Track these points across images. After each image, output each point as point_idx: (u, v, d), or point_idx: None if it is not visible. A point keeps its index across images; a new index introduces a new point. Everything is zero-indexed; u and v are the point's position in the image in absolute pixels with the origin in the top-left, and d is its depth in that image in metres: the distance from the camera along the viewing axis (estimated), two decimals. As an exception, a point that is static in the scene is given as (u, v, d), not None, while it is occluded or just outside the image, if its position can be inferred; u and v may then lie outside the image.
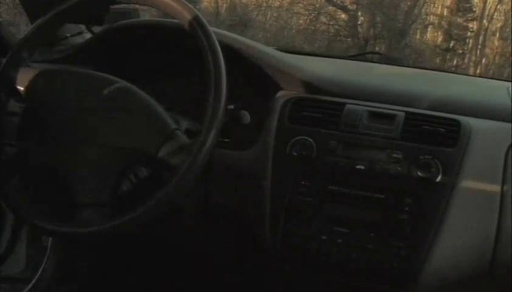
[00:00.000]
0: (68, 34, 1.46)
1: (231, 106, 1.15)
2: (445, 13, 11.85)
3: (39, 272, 1.54)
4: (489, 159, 1.10)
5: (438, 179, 1.07)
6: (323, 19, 11.54)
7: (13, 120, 1.17)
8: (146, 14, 1.98)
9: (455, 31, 11.55)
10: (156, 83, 1.25)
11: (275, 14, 11.84)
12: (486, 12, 11.51)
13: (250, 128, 1.26)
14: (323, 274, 1.16)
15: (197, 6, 9.63)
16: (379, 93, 1.23)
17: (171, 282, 1.74)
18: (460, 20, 11.61)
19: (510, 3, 10.57)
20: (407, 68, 1.60)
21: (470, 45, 11.67)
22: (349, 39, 11.27)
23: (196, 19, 1.03)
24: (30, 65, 1.12)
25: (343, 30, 11.46)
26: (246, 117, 1.27)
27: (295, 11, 11.67)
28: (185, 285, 1.71)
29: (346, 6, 11.47)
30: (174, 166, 0.96)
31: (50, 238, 1.55)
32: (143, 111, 1.02)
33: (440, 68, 7.74)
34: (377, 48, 10.72)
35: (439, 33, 11.77)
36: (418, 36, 11.79)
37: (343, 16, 11.52)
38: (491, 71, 10.91)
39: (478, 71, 10.96)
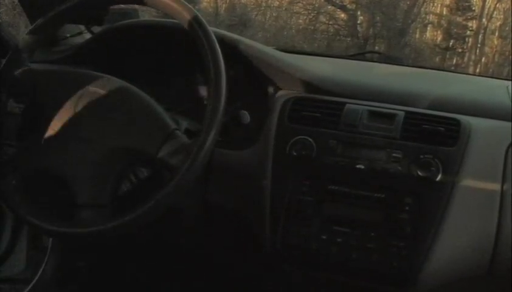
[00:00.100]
0: (68, 35, 1.46)
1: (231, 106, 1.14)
2: (444, 12, 11.85)
3: (39, 273, 1.53)
4: (489, 158, 1.10)
5: (438, 178, 1.06)
6: (322, 18, 11.54)
7: (13, 121, 1.17)
8: (146, 15, 1.98)
9: (455, 30, 11.55)
10: (156, 83, 1.25)
11: (274, 14, 11.84)
12: (486, 11, 11.52)
13: (250, 128, 1.26)
14: (323, 274, 1.16)
15: (197, 7, 9.63)
16: (378, 93, 1.23)
17: (171, 282, 1.74)
18: (459, 19, 11.61)
19: (509, 2, 10.57)
20: (407, 67, 1.60)
21: (469, 44, 11.67)
22: (349, 39, 11.28)
23: (195, 19, 1.03)
24: (30, 65, 1.12)
25: (342, 29, 11.46)
26: (246, 116, 1.27)
27: (295, 10, 11.68)
28: (185, 285, 1.71)
29: (345, 5, 11.47)
30: (174, 167, 0.96)
31: (50, 239, 1.55)
32: (143, 111, 1.02)
33: (440, 67, 7.75)
34: (376, 48, 10.73)
35: (439, 32, 11.78)
36: (417, 35, 11.80)
37: (342, 15, 11.53)
38: (491, 70, 10.92)
39: (477, 70, 10.97)
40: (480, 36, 11.57)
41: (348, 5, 11.48)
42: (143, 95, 1.04)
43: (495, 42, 11.38)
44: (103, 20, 1.32)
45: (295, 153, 1.13)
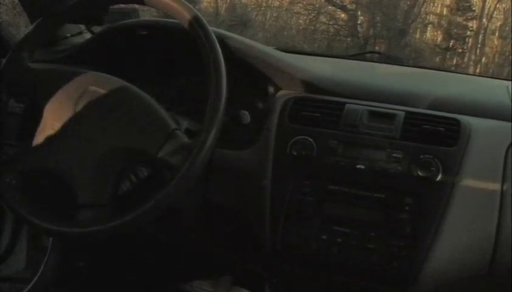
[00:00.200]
0: (68, 35, 1.45)
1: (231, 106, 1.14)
2: (444, 12, 11.85)
3: (39, 272, 1.53)
4: (489, 158, 1.10)
5: (438, 178, 1.07)
6: (322, 18, 11.54)
7: (13, 120, 1.17)
8: (146, 14, 1.98)
9: (455, 30, 11.55)
10: (156, 83, 1.25)
11: (274, 14, 11.84)
12: (486, 11, 11.52)
13: (250, 128, 1.27)
14: (323, 274, 1.16)
15: (197, 7, 9.63)
16: (379, 93, 1.23)
17: (171, 282, 1.74)
18: (459, 19, 11.61)
19: (510, 2, 10.57)
20: (407, 67, 1.60)
21: (469, 44, 11.67)
22: (349, 39, 11.28)
23: (195, 19, 1.03)
24: (30, 65, 1.12)
25: (342, 29, 11.46)
26: (246, 116, 1.27)
27: (295, 11, 11.68)
28: (185, 284, 1.72)
29: (345, 6, 11.47)
30: (174, 166, 0.96)
31: (50, 238, 1.55)
32: (143, 110, 1.02)
33: (440, 67, 7.75)
34: (377, 48, 10.72)
35: (439, 32, 11.78)
36: (417, 36, 11.79)
37: (342, 15, 11.53)
38: (491, 70, 10.92)
39: (477, 70, 10.96)
40: (480, 37, 11.57)
41: (349, 5, 11.48)
42: (143, 94, 1.04)
43: (496, 42, 11.38)
44: (103, 20, 1.31)
45: (295, 153, 1.13)
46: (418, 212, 1.06)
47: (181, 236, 1.42)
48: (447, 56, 11.60)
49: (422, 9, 11.83)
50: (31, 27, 1.15)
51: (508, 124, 1.14)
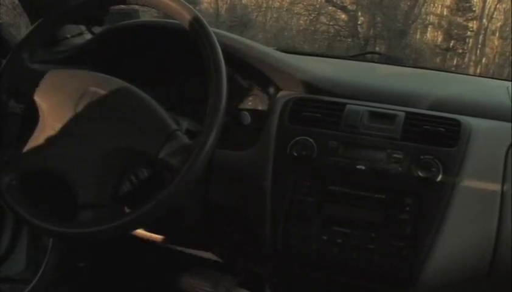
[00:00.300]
0: (68, 35, 1.45)
1: (232, 107, 1.15)
2: (445, 13, 11.87)
3: (40, 273, 1.53)
4: (489, 159, 1.10)
5: (439, 178, 1.07)
6: (323, 19, 11.56)
7: (14, 121, 1.17)
8: (146, 15, 1.98)
9: (455, 30, 11.57)
10: (156, 84, 1.25)
11: (275, 15, 11.86)
12: (486, 11, 11.53)
13: (251, 128, 1.27)
14: (323, 274, 1.16)
15: (197, 7, 9.64)
16: (379, 94, 1.23)
17: (171, 282, 1.74)
18: (459, 19, 11.63)
19: (510, 2, 10.58)
20: (407, 68, 1.60)
21: (470, 45, 11.69)
22: (350, 39, 11.29)
23: (196, 20, 1.03)
24: (31, 66, 1.12)
25: (343, 30, 11.47)
26: (246, 117, 1.28)
27: (295, 11, 11.69)
28: (186, 285, 1.72)
29: (346, 6, 11.49)
30: (174, 167, 0.96)
31: (51, 239, 1.55)
32: (144, 111, 1.02)
33: (440, 68, 7.75)
34: (377, 48, 10.74)
35: (439, 32, 11.80)
36: (418, 36, 11.81)
37: (343, 16, 11.54)
38: (491, 70, 10.93)
39: (478, 70, 10.98)
40: (481, 37, 11.58)
41: (349, 6, 11.49)
42: (143, 95, 1.04)
43: (496, 42, 11.39)
44: (103, 20, 1.32)
45: (295, 154, 1.13)
46: (419, 213, 1.06)
47: (181, 236, 1.42)
48: (448, 56, 11.62)
49: (423, 9, 11.85)
50: (31, 28, 1.15)
51: (508, 124, 1.14)
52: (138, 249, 1.58)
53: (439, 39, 11.77)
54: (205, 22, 1.04)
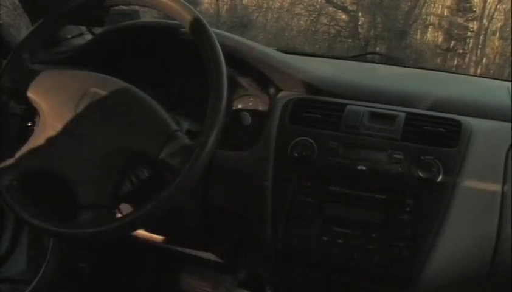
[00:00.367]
0: (69, 36, 1.46)
1: (232, 107, 1.14)
2: (445, 13, 11.87)
3: (40, 274, 1.54)
4: (489, 159, 1.10)
5: (439, 179, 1.06)
6: (323, 20, 11.56)
7: (14, 121, 1.17)
8: (147, 16, 1.98)
9: (456, 31, 11.57)
10: (157, 84, 1.25)
11: (275, 16, 11.87)
12: (486, 12, 11.53)
13: (251, 129, 1.27)
14: (323, 275, 1.16)
15: (198, 8, 9.65)
16: (379, 94, 1.23)
17: (171, 283, 1.74)
18: (460, 20, 11.63)
19: (510, 2, 10.58)
20: (408, 68, 1.60)
21: (470, 45, 11.69)
22: (350, 40, 11.30)
23: (196, 20, 1.03)
24: (31, 66, 1.12)
25: (343, 30, 11.48)
26: (247, 117, 1.28)
27: (296, 12, 11.70)
28: (186, 285, 1.72)
29: (346, 7, 11.49)
30: (175, 168, 0.96)
31: (51, 239, 1.55)
32: (144, 112, 1.02)
33: (441, 68, 7.75)
34: (377, 49, 10.75)
35: (440, 33, 11.80)
36: (418, 37, 11.81)
37: (343, 16, 11.55)
38: (492, 71, 10.94)
39: (478, 71, 10.99)
40: (481, 37, 11.58)
41: (349, 7, 11.50)
42: (144, 96, 1.04)
43: (496, 43, 11.39)
44: (104, 21, 1.32)
45: (296, 154, 1.13)
46: (419, 213, 1.06)
47: (182, 237, 1.42)
48: (448, 57, 11.62)
49: (423, 10, 11.86)
50: (31, 28, 1.15)
51: (509, 125, 1.14)
52: (138, 249, 1.58)
53: (440, 39, 11.77)
54: (206, 22, 1.04)
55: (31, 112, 1.16)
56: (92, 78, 1.08)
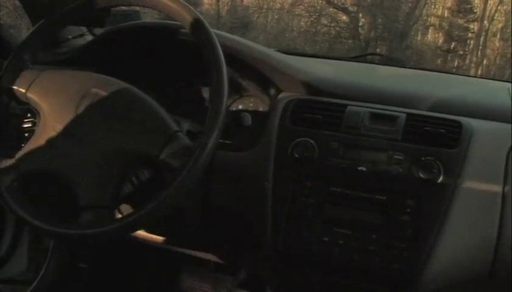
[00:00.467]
0: (69, 36, 1.46)
1: (233, 108, 1.14)
2: (446, 14, 11.87)
3: (41, 274, 1.53)
4: (490, 160, 1.10)
5: (440, 180, 1.06)
6: (324, 21, 11.57)
7: (15, 122, 1.17)
8: (147, 16, 1.98)
9: (456, 32, 11.57)
10: (158, 85, 1.25)
11: (276, 17, 11.87)
12: (487, 13, 11.53)
13: (252, 130, 1.27)
14: (324, 275, 1.15)
15: (198, 9, 9.65)
16: (380, 95, 1.23)
17: (172, 283, 1.74)
18: (460, 21, 11.63)
19: (511, 4, 10.58)
20: (408, 69, 1.60)
21: (471, 47, 11.69)
22: (351, 41, 11.30)
23: (197, 21, 1.03)
24: (32, 67, 1.12)
25: (344, 31, 11.48)
26: (247, 118, 1.28)
27: (296, 13, 11.70)
28: (186, 285, 1.72)
29: (347, 8, 11.49)
30: (175, 168, 0.96)
31: (52, 240, 1.55)
32: (145, 112, 1.02)
33: (441, 69, 7.76)
34: (378, 50, 10.75)
35: (440, 34, 11.80)
36: (419, 38, 11.81)
37: (344, 17, 11.55)
38: (492, 72, 10.93)
39: (479, 72, 10.98)
40: (482, 38, 11.58)
41: (350, 8, 11.50)
42: (144, 96, 1.04)
43: (497, 44, 11.39)
44: (104, 21, 1.32)
45: (296, 155, 1.13)
46: (420, 214, 1.06)
47: (182, 237, 1.42)
48: (449, 58, 11.62)
49: (424, 11, 11.86)
50: (32, 29, 1.15)
51: (509, 126, 1.14)
52: (139, 250, 1.58)
53: (440, 40, 11.77)
54: (206, 23, 1.04)
55: (32, 113, 1.16)
56: (93, 79, 1.08)
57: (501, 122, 1.16)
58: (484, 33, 11.52)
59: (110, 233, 0.95)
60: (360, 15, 11.42)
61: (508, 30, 10.51)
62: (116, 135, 1.01)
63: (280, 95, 1.26)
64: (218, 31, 1.18)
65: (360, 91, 1.25)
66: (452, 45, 11.58)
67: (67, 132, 1.03)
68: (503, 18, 11.15)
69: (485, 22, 11.47)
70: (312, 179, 1.12)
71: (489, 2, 11.39)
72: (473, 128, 1.12)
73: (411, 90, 1.28)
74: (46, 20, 1.14)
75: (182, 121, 1.08)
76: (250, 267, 1.52)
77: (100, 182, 0.99)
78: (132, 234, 1.25)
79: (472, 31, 11.65)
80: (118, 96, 1.04)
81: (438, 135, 1.10)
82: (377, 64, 1.72)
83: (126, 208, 1.15)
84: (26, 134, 1.18)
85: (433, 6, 12.00)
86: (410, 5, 11.42)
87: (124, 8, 1.36)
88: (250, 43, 1.32)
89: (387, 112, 1.17)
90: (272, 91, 1.28)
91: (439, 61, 11.30)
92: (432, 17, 12.00)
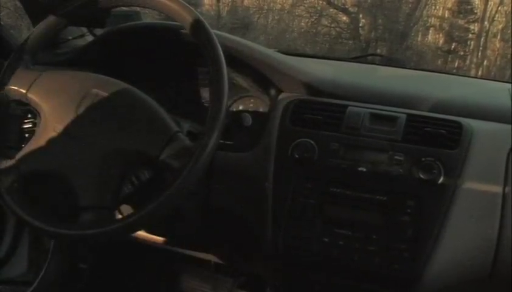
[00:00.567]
0: (70, 37, 1.46)
1: (233, 108, 1.14)
2: (446, 15, 11.88)
3: (41, 275, 1.53)
4: (490, 161, 1.10)
5: (440, 180, 1.06)
6: (324, 21, 11.57)
7: (15, 122, 1.17)
8: (148, 17, 1.98)
9: (457, 33, 11.57)
10: (158, 85, 1.25)
11: (276, 17, 11.88)
12: (488, 14, 11.54)
13: (252, 130, 1.27)
14: (324, 276, 1.15)
15: (199, 9, 9.65)
16: (380, 96, 1.23)
17: (172, 284, 1.74)
18: (461, 22, 11.63)
19: (511, 4, 10.58)
20: (409, 70, 1.60)
21: (471, 47, 11.69)
22: (351, 42, 11.30)
23: (197, 22, 1.03)
24: (32, 67, 1.12)
25: (344, 32, 11.48)
26: (248, 119, 1.28)
27: (297, 13, 11.71)
28: (186, 286, 1.71)
29: (347, 8, 11.50)
30: (176, 169, 0.96)
31: (52, 241, 1.55)
32: (145, 113, 1.02)
33: (442, 70, 7.76)
34: (378, 50, 10.76)
35: (441, 35, 11.80)
36: (419, 38, 11.82)
37: (344, 18, 11.55)
38: (493, 73, 10.93)
39: (479, 73, 10.98)
40: (482, 39, 11.58)
41: (350, 8, 11.50)
42: (145, 97, 1.04)
43: (497, 45, 11.39)
44: (105, 22, 1.32)
45: (297, 156, 1.13)
46: (420, 215, 1.06)
47: (182, 238, 1.42)
48: (449, 58, 11.62)
49: (424, 12, 11.86)
50: (33, 30, 1.15)
51: (510, 127, 1.14)
52: (139, 250, 1.58)
53: (441, 41, 11.77)
54: (207, 23, 1.04)
55: (32, 114, 1.16)
56: (93, 79, 1.08)
57: (502, 123, 1.16)
58: (484, 34, 11.53)
59: (110, 233, 0.95)
60: (361, 16, 11.43)
61: (509, 31, 10.50)
62: (116, 135, 1.01)
63: (280, 96, 1.26)
64: (218, 32, 1.18)
65: (361, 92, 1.25)
66: (453, 46, 11.58)
67: (68, 132, 1.03)
68: (504, 19, 11.15)
69: (486, 23, 11.48)
70: (312, 180, 1.12)
71: (489, 2, 11.39)
72: (474, 129, 1.12)
73: (412, 91, 1.28)
74: (46, 21, 1.14)
75: (182, 121, 1.08)
76: (250, 268, 1.51)
77: (100, 182, 0.99)
78: (133, 234, 1.25)
79: (472, 32, 11.66)
80: (118, 96, 1.04)
81: (438, 136, 1.10)
82: (377, 64, 1.72)
83: (126, 209, 1.15)
84: (26, 135, 1.18)
85: (433, 7, 12.01)
86: (410, 5, 11.43)
87: (124, 8, 1.36)
88: (250, 44, 1.32)
89: (387, 112, 1.17)
90: (273, 92, 1.28)
91: (439, 62, 11.30)
92: (433, 18, 12.01)
